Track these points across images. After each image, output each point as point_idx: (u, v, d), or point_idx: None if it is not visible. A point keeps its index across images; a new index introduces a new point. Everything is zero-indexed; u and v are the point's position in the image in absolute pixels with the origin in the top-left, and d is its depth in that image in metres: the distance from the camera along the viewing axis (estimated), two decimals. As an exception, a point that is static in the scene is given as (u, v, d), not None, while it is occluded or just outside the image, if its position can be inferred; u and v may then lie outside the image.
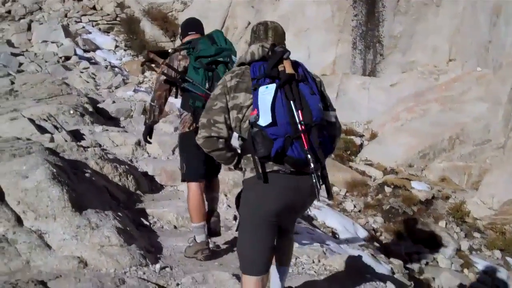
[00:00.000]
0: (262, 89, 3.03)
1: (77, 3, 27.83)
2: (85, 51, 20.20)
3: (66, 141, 6.98)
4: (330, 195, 3.36)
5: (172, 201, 6.19)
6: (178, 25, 21.73)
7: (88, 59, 18.85)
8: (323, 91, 3.39)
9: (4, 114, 8.59)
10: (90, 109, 10.26)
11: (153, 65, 5.49)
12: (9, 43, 21.35)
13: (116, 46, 21.94)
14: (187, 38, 4.82)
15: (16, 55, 18.71)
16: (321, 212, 9.60)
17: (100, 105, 11.23)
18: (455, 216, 11.56)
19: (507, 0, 15.33)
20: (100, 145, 7.80)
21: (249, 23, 21.38)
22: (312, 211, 9.48)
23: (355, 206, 11.93)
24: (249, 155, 3.12)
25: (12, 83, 12.11)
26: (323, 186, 3.19)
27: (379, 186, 12.71)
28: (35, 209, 4.28)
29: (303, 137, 2.99)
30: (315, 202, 5.31)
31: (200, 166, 4.61)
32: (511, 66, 14.56)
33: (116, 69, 18.60)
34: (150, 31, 23.74)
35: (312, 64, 20.53)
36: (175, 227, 5.49)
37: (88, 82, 14.71)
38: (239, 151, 3.35)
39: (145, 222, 5.40)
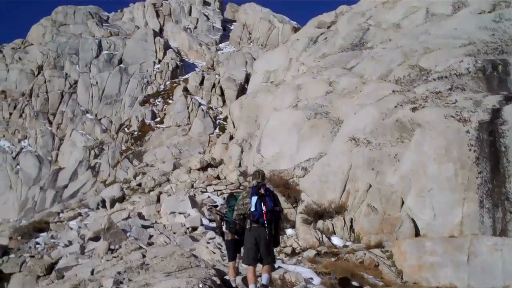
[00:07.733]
0: (253, 198, 8.91)
1: (202, 173, 29.26)
2: (210, 221, 20.79)
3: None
4: (277, 242, 9.45)
5: None
6: (300, 191, 21.88)
7: (214, 229, 19.34)
8: (276, 198, 9.28)
9: (136, 290, 8.80)
10: (218, 282, 10.27)
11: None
12: (140, 215, 22.51)
13: (240, 215, 22.32)
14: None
15: (146, 227, 19.60)
16: None
17: (226, 277, 11.25)
18: None
19: None
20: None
21: (370, 186, 21.17)
22: None
23: None
24: (248, 220, 9.00)
25: (144, 256, 12.54)
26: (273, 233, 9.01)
27: None
28: None
29: (264, 215, 8.76)
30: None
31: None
32: None
33: (241, 237, 18.82)
34: (272, 197, 24.18)
35: (438, 225, 19.67)
36: None
37: (214, 253, 14.95)
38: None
39: None
